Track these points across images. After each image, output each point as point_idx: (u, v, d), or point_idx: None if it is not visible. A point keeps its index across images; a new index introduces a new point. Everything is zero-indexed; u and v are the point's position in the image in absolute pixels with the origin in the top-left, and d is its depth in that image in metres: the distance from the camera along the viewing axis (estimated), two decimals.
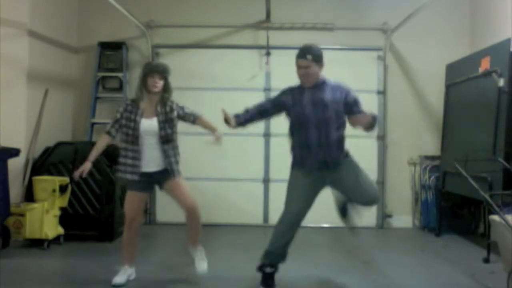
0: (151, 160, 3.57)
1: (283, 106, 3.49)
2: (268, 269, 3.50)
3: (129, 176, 3.57)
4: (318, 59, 3.37)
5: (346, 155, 3.47)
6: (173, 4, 6.32)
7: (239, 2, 6.30)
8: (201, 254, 3.78)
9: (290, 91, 3.51)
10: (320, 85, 3.42)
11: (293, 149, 3.51)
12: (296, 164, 3.48)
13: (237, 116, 3.48)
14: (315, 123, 3.35)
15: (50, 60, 5.66)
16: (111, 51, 6.21)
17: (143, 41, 6.30)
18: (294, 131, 3.47)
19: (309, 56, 3.34)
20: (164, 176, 3.62)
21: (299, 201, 3.41)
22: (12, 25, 5.04)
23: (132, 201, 3.65)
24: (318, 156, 3.35)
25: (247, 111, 3.53)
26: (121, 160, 3.62)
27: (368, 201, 3.43)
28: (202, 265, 3.72)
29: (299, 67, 3.39)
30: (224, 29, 6.30)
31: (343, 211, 3.66)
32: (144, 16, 6.15)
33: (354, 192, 3.42)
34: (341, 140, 3.44)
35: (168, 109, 3.62)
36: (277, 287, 3.51)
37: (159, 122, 3.57)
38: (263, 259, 3.52)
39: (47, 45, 5.57)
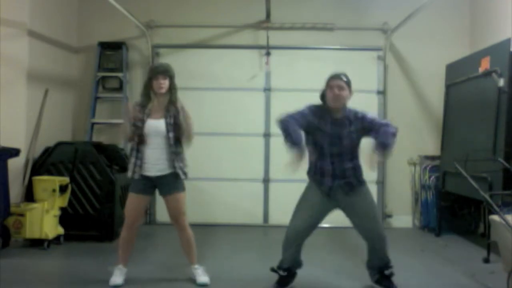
0: (153, 163, 3.54)
1: (308, 126, 3.39)
2: (281, 272, 3.53)
3: (136, 176, 3.54)
4: (350, 84, 3.40)
5: (363, 182, 3.47)
6: (173, 4, 6.32)
7: (239, 2, 6.30)
8: (201, 271, 3.70)
9: (318, 114, 3.39)
10: (344, 115, 3.39)
11: (311, 162, 3.45)
12: (313, 180, 3.47)
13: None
14: (330, 155, 3.37)
15: (50, 60, 5.66)
16: (111, 51, 6.22)
17: (143, 41, 6.30)
18: (312, 149, 3.42)
19: (344, 78, 3.37)
20: (165, 183, 3.59)
21: (304, 219, 3.41)
22: (12, 25, 5.04)
23: (133, 203, 3.62)
24: (332, 182, 3.38)
25: (294, 130, 3.30)
26: (131, 159, 3.58)
27: (372, 235, 3.46)
28: (203, 278, 3.66)
29: (332, 87, 3.34)
30: (224, 29, 6.30)
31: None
32: (144, 16, 6.15)
33: (361, 221, 3.45)
34: (356, 169, 3.44)
35: (178, 110, 3.59)
36: None
37: (167, 124, 3.54)
38: (279, 262, 3.55)
39: (47, 45, 5.58)
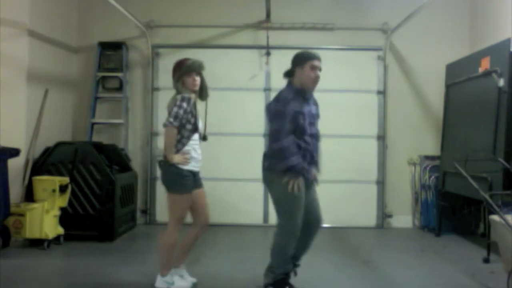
0: (199, 158, 3.54)
1: (295, 118, 3.29)
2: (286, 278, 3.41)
3: (195, 169, 3.50)
4: None
5: None
6: (173, 4, 6.33)
7: (239, 2, 6.30)
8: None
9: (297, 99, 3.29)
10: (311, 95, 3.44)
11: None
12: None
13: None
14: (310, 136, 3.34)
15: (50, 60, 5.67)
16: (111, 51, 6.22)
17: (143, 41, 6.30)
18: (296, 137, 3.31)
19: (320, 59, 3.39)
20: (197, 179, 3.57)
21: (302, 215, 3.33)
22: (12, 25, 5.04)
23: (188, 201, 3.49)
24: (310, 166, 3.35)
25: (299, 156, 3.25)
26: (186, 150, 3.45)
27: (318, 221, 3.47)
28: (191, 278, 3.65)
29: (315, 67, 3.32)
30: (224, 29, 6.30)
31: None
32: (144, 16, 6.15)
33: (313, 205, 3.44)
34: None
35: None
36: None
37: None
38: (280, 272, 3.36)
39: (47, 45, 5.58)
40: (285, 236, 3.34)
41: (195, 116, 3.47)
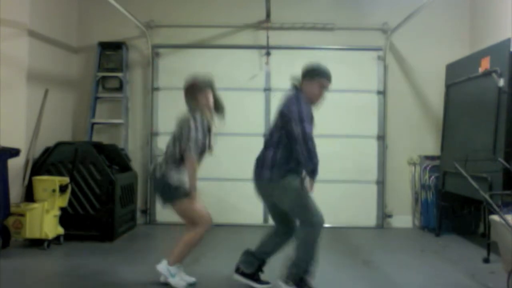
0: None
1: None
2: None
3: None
4: None
5: None
6: (173, 4, 6.33)
7: (239, 2, 6.30)
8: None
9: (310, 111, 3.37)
10: None
11: (290, 155, 3.40)
12: (298, 172, 3.38)
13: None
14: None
15: (50, 60, 5.67)
16: (111, 51, 6.22)
17: (143, 41, 6.30)
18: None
19: None
20: None
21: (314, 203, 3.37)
22: (12, 25, 5.04)
23: (195, 199, 3.56)
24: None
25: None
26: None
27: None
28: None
29: (324, 88, 3.39)
30: (224, 29, 6.30)
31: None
32: (144, 16, 6.15)
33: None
34: None
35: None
36: None
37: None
38: (305, 271, 3.43)
39: (47, 45, 5.58)
40: (314, 228, 3.35)
41: (208, 138, 3.55)
